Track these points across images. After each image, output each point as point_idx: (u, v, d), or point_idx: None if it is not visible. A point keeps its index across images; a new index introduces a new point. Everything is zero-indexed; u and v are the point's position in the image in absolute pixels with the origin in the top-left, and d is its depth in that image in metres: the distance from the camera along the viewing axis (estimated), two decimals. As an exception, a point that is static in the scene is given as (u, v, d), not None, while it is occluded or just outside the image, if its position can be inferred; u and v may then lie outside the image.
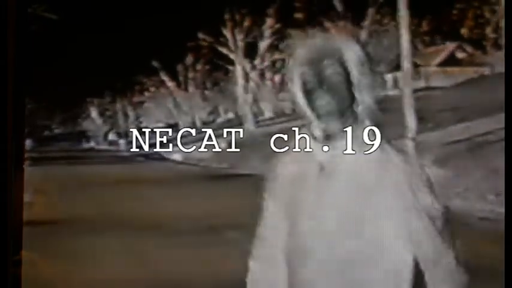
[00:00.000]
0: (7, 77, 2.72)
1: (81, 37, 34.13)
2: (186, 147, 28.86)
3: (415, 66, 14.81)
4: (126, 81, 41.42)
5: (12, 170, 2.70)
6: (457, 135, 13.47)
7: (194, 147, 27.36)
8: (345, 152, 1.71)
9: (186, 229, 8.25)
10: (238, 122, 33.39)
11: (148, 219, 9.41)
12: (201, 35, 33.06)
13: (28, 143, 43.92)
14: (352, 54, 1.68)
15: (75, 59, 35.67)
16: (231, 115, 41.56)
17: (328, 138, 1.73)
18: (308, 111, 1.74)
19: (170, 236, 8.03)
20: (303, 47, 1.70)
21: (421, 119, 13.19)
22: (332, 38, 1.73)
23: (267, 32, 32.21)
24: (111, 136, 48.26)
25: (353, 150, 1.71)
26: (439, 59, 32.23)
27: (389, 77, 30.53)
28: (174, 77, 40.42)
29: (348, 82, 1.66)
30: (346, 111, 1.69)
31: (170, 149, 30.11)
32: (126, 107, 48.19)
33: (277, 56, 33.97)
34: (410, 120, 12.48)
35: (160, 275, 6.23)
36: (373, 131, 1.73)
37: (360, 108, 1.72)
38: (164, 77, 39.95)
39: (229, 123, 36.31)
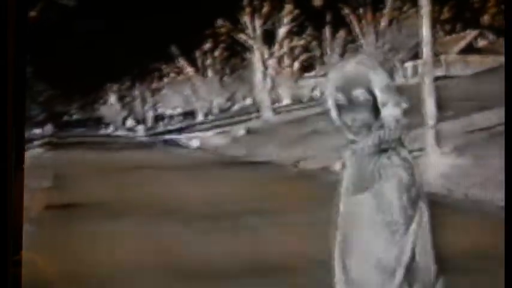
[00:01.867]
0: (7, 77, 2.72)
1: (100, 23, 34.15)
2: (203, 133, 28.92)
3: (435, 54, 14.68)
4: (145, 67, 41.48)
5: (12, 170, 2.71)
6: (477, 123, 13.38)
7: (212, 133, 27.42)
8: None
9: (204, 215, 8.29)
10: (255, 109, 33.39)
11: (166, 205, 9.46)
12: (219, 22, 33.01)
13: (48, 128, 44.18)
14: (378, 81, 1.94)
15: (93, 45, 35.74)
16: (248, 101, 41.55)
17: (374, 150, 2.05)
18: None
19: (188, 221, 8.07)
20: (337, 74, 1.96)
21: (440, 107, 13.11)
22: (362, 66, 1.97)
23: (286, 19, 32.08)
24: (129, 122, 48.49)
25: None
26: (459, 47, 31.93)
27: (409, 65, 30.36)
28: (192, 63, 40.46)
29: (375, 104, 1.95)
30: (373, 124, 1.99)
31: (188, 135, 30.20)
32: (145, 92, 48.34)
33: (295, 42, 33.85)
34: (430, 109, 12.40)
35: (178, 260, 6.27)
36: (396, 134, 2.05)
37: (385, 121, 2.03)
38: (182, 63, 40.00)
39: (247, 110, 36.32)
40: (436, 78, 14.43)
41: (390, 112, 2.03)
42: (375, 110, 1.99)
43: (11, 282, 2.88)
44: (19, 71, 2.98)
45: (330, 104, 2.05)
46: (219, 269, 5.73)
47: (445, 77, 24.30)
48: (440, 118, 12.78)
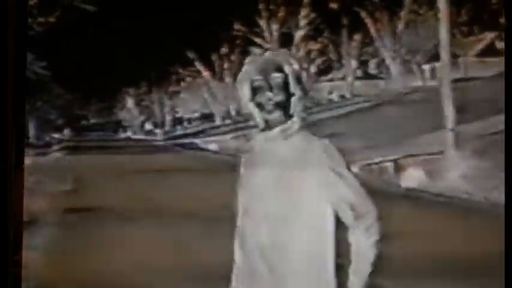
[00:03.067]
0: (7, 77, 2.72)
1: (118, 28, 34.41)
2: (221, 136, 28.97)
3: (454, 56, 14.64)
4: (162, 71, 41.67)
5: (12, 170, 2.70)
6: (496, 125, 13.29)
7: (229, 137, 27.45)
8: (277, 138, 2.23)
9: (223, 218, 8.29)
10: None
11: (186, 208, 9.48)
12: (236, 26, 33.07)
13: (66, 132, 44.50)
14: (290, 68, 2.25)
15: (111, 50, 35.98)
16: (266, 105, 41.46)
17: (268, 127, 2.25)
18: (253, 108, 2.29)
19: (207, 225, 8.07)
20: (255, 61, 2.27)
21: (459, 109, 13.04)
22: (279, 56, 2.28)
23: (302, 22, 32.07)
24: (148, 126, 48.68)
25: (280, 136, 2.23)
26: (477, 49, 31.75)
27: (426, 67, 30.19)
28: (209, 67, 40.54)
29: (287, 87, 2.23)
30: (284, 106, 2.22)
31: (206, 139, 30.26)
32: (163, 96, 48.52)
33: (312, 46, 33.82)
34: (449, 111, 12.34)
35: (197, 263, 6.28)
36: (298, 124, 2.25)
37: (292, 106, 2.25)
38: (199, 67, 40.10)
39: (264, 114, 36.18)
40: (455, 81, 14.38)
41: (297, 105, 2.28)
42: (289, 95, 2.25)
43: (11, 282, 2.88)
44: (19, 71, 2.98)
45: (244, 88, 2.29)
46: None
47: (463, 79, 24.22)
48: (459, 120, 12.72)
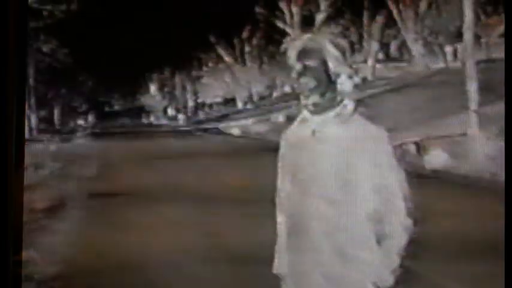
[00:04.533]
0: (7, 77, 2.75)
1: (140, 14, 34.48)
2: (243, 121, 28.99)
3: (477, 37, 14.49)
4: (185, 56, 41.68)
5: (12, 170, 2.75)
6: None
7: (252, 121, 27.47)
8: (329, 123, 2.36)
9: (249, 201, 8.35)
10: (294, 96, 33.28)
11: (208, 191, 9.55)
12: (257, 9, 32.94)
13: (90, 118, 44.76)
14: (328, 52, 2.33)
15: (134, 35, 36.07)
16: (287, 89, 41.52)
17: (318, 110, 2.35)
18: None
19: (232, 207, 8.14)
20: (293, 46, 2.40)
21: (483, 90, 12.93)
22: (317, 38, 2.40)
23: (324, 5, 31.85)
24: (170, 111, 48.89)
25: (335, 121, 2.38)
26: (501, 29, 31.32)
27: (449, 49, 29.90)
28: (231, 51, 40.54)
29: (326, 71, 2.31)
30: (326, 91, 2.30)
31: (228, 123, 30.31)
32: (185, 81, 48.64)
33: (333, 28, 33.56)
34: (473, 92, 12.24)
35: (220, 243, 6.33)
36: (352, 106, 2.36)
37: (339, 91, 2.37)
38: (221, 51, 40.11)
39: (286, 97, 36.27)
40: (478, 62, 14.26)
41: (345, 84, 2.46)
42: (327, 79, 2.35)
43: (11, 282, 2.94)
44: (19, 71, 3.04)
45: (291, 73, 2.50)
46: (266, 255, 5.77)
47: (487, 60, 23.90)
48: (483, 102, 12.61)
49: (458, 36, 18.56)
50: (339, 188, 2.18)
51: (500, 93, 15.13)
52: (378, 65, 34.00)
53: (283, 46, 2.35)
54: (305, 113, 2.22)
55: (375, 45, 34.32)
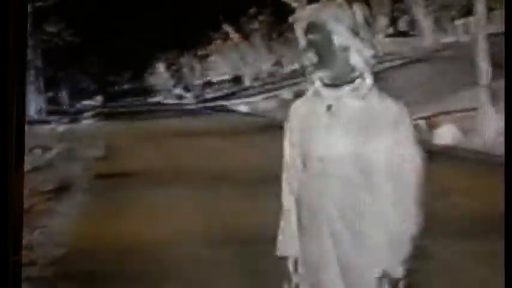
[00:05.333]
0: (7, 76, 2.69)
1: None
2: (252, 98, 28.88)
3: (488, 10, 14.23)
4: (191, 35, 41.51)
5: (12, 169, 2.68)
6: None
7: (260, 98, 27.35)
8: (345, 97, 2.13)
9: (257, 180, 8.24)
10: (302, 72, 33.08)
11: (218, 171, 9.46)
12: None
13: (99, 98, 44.79)
14: (332, 25, 2.12)
15: (140, 15, 35.90)
16: (296, 66, 41.28)
17: (334, 84, 2.14)
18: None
19: (240, 186, 8.05)
20: (299, 19, 2.17)
21: (494, 65, 12.74)
22: (320, 12, 2.16)
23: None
24: (178, 90, 48.82)
25: (352, 96, 2.12)
26: (512, 1, 30.92)
27: (459, 22, 29.53)
28: (238, 29, 40.25)
29: (331, 46, 2.11)
30: (332, 66, 2.12)
31: (236, 101, 30.21)
32: (192, 60, 48.49)
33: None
34: (484, 67, 12.05)
35: (228, 224, 6.25)
36: (370, 81, 2.13)
37: (354, 64, 2.12)
38: (228, 29, 39.84)
39: (294, 74, 36.10)
40: (489, 35, 14.02)
41: (355, 59, 2.16)
42: (332, 54, 2.15)
43: (11, 282, 2.87)
44: (20, 71, 2.95)
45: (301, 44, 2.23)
46: (273, 235, 5.69)
47: (498, 34, 23.57)
48: (494, 76, 12.42)
49: (469, 10, 18.27)
50: (355, 168, 2.05)
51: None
52: (387, 40, 33.76)
53: (290, 19, 2.25)
54: (318, 86, 2.06)
55: (384, 20, 34.09)
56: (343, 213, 2.07)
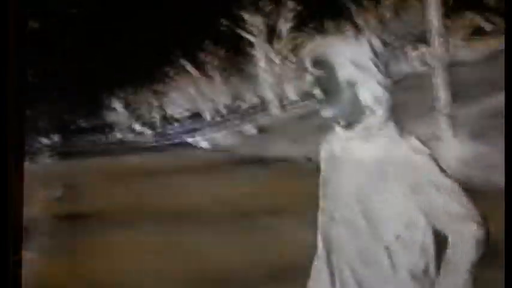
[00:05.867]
0: (7, 76, 2.68)
1: (101, 29, 34.11)
2: (213, 134, 28.80)
3: (442, 40, 14.47)
4: (148, 71, 41.41)
5: (12, 169, 2.70)
6: (491, 108, 13.15)
7: (221, 134, 27.29)
8: (354, 139, 2.00)
9: (220, 216, 8.09)
10: (263, 107, 33.28)
11: (182, 209, 9.27)
12: (221, 21, 32.85)
13: (56, 138, 44.17)
14: (336, 58, 1.96)
15: (96, 53, 35.68)
16: (255, 100, 41.46)
17: (347, 124, 2.00)
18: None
19: (205, 223, 7.88)
20: (307, 53, 2.05)
21: (452, 93, 12.88)
22: (325, 44, 2.02)
23: (289, 15, 31.88)
24: (137, 127, 48.50)
25: (360, 137, 1.98)
26: (465, 31, 31.66)
27: (415, 53, 30.09)
28: (196, 64, 40.32)
29: (336, 81, 1.96)
30: (338, 103, 1.97)
31: (197, 137, 30.09)
32: (150, 97, 48.34)
33: (299, 38, 33.66)
34: (443, 96, 12.17)
35: (197, 264, 6.07)
36: (379, 119, 1.97)
37: (363, 101, 1.97)
38: (185, 64, 39.85)
39: (255, 108, 36.20)
40: (445, 65, 14.20)
41: (364, 94, 1.99)
42: (337, 90, 1.99)
43: (11, 282, 2.81)
44: (20, 70, 2.88)
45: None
46: (240, 271, 5.52)
47: (454, 63, 24.08)
48: (453, 104, 12.56)
49: (424, 40, 18.58)
50: (359, 213, 1.92)
51: (469, 96, 15.16)
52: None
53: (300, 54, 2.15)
54: (337, 127, 1.95)
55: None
56: (350, 261, 1.95)
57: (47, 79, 34.03)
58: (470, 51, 28.69)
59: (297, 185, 10.62)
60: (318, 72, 1.96)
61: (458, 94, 14.44)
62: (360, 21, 29.53)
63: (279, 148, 17.34)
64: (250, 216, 7.81)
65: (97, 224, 8.74)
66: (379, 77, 1.95)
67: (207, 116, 40.61)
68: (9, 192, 2.76)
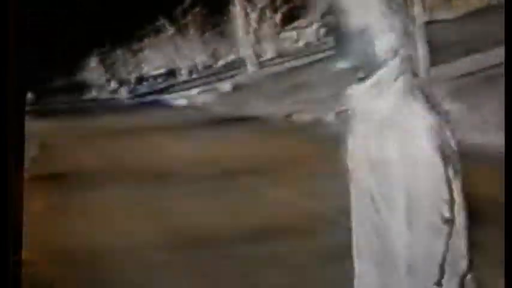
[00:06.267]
0: (7, 76, 2.63)
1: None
2: (189, 91, 28.58)
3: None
4: (125, 27, 40.78)
5: (12, 169, 2.67)
6: (468, 67, 13.14)
7: (197, 91, 27.08)
8: (364, 94, 1.82)
9: (198, 176, 8.01)
10: (240, 64, 33.04)
11: (158, 168, 9.18)
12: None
13: (30, 96, 43.57)
14: (348, 5, 1.76)
15: (72, 9, 35.02)
16: (232, 57, 41.16)
17: (360, 78, 1.81)
18: None
19: (182, 184, 7.81)
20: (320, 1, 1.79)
21: (429, 53, 12.83)
22: None
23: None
24: (112, 85, 48.01)
25: (371, 93, 1.80)
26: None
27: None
28: (172, 21, 39.79)
29: (347, 28, 1.76)
30: (353, 53, 1.78)
31: (173, 95, 29.85)
32: (126, 54, 47.74)
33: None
34: (421, 55, 12.13)
35: (174, 225, 6.01)
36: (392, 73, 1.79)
37: (377, 51, 1.79)
38: (163, 21, 39.30)
39: (231, 66, 35.95)
40: (424, 24, 14.15)
41: (379, 41, 1.78)
42: (346, 37, 1.80)
43: (11, 282, 2.79)
44: (19, 71, 2.84)
45: None
46: (218, 232, 5.47)
47: (431, 22, 23.97)
48: (430, 64, 12.54)
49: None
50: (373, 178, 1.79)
51: (446, 55, 15.13)
52: (322, 30, 33.93)
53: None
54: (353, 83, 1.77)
55: (321, 7, 34.25)
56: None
57: (21, 35, 33.32)
58: (449, 10, 28.57)
59: (276, 144, 10.60)
60: (329, 19, 1.83)
61: (435, 54, 14.41)
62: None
63: (255, 106, 17.24)
64: (229, 175, 7.76)
65: (72, 185, 8.64)
66: (392, 23, 1.76)
67: (183, 74, 40.27)
68: (9, 192, 2.73)
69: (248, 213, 5.92)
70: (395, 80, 1.77)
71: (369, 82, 1.76)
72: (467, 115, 9.90)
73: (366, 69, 1.78)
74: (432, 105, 1.83)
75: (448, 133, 1.81)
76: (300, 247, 4.80)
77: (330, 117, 12.88)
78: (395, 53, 1.77)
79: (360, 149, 1.84)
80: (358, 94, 1.82)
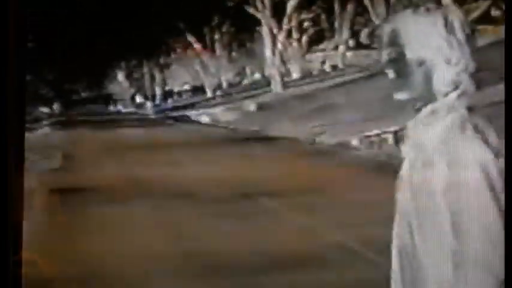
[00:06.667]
0: (7, 76, 2.61)
1: (109, 2, 33.80)
2: (213, 109, 28.59)
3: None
4: (153, 43, 41.07)
5: (12, 169, 2.65)
6: (497, 96, 12.97)
7: (221, 109, 27.06)
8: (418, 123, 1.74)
9: (217, 197, 7.91)
10: (265, 84, 33.03)
11: (179, 186, 9.10)
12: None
13: (56, 107, 43.98)
14: (405, 34, 1.73)
15: (101, 22, 35.37)
16: (257, 76, 41.19)
17: (416, 108, 1.75)
18: None
19: (202, 203, 7.71)
20: (381, 33, 1.84)
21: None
22: (396, 20, 1.79)
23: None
24: (138, 99, 48.25)
25: (423, 122, 1.73)
26: (473, 16, 31.36)
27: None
28: (200, 38, 39.97)
29: (407, 62, 1.73)
30: (411, 85, 1.73)
31: (197, 111, 29.88)
32: (153, 69, 48.02)
33: (304, 16, 33.33)
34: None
35: (192, 245, 5.92)
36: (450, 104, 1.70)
37: (435, 83, 1.71)
38: (190, 38, 39.51)
39: (256, 85, 35.98)
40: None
41: (439, 74, 1.68)
42: (407, 70, 1.71)
43: (11, 282, 2.76)
44: (20, 71, 2.82)
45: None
46: (237, 256, 5.37)
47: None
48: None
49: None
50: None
51: (475, 83, 14.97)
52: (348, 53, 33.88)
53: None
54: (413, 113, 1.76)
55: (345, 33, 34.21)
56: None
57: (49, 45, 33.76)
58: (479, 37, 28.31)
59: (297, 168, 10.47)
60: (388, 50, 1.76)
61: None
62: (366, 1, 29.22)
63: (279, 126, 17.17)
64: (249, 198, 7.66)
65: (94, 198, 8.59)
66: (452, 57, 1.69)
67: (209, 91, 40.45)
68: (9, 192, 2.71)
69: (267, 239, 5.79)
70: (449, 112, 1.69)
71: (423, 112, 1.71)
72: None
73: (422, 101, 1.72)
74: (485, 140, 1.72)
75: (498, 170, 1.68)
76: (319, 278, 4.68)
77: (355, 141, 12.77)
78: (454, 87, 1.71)
79: (405, 177, 1.77)
80: (411, 124, 1.76)
